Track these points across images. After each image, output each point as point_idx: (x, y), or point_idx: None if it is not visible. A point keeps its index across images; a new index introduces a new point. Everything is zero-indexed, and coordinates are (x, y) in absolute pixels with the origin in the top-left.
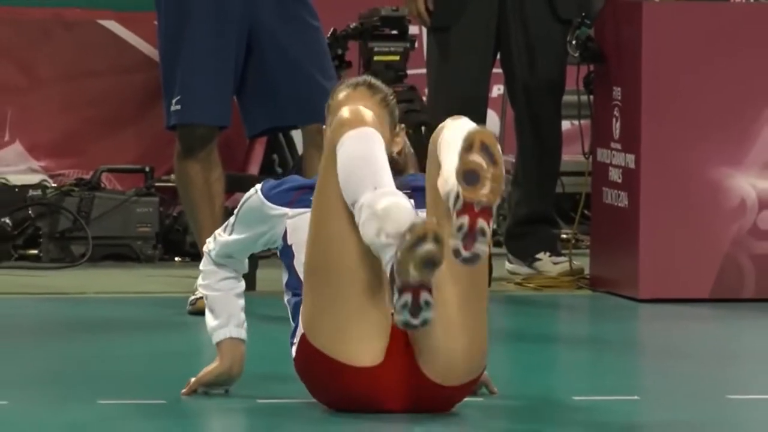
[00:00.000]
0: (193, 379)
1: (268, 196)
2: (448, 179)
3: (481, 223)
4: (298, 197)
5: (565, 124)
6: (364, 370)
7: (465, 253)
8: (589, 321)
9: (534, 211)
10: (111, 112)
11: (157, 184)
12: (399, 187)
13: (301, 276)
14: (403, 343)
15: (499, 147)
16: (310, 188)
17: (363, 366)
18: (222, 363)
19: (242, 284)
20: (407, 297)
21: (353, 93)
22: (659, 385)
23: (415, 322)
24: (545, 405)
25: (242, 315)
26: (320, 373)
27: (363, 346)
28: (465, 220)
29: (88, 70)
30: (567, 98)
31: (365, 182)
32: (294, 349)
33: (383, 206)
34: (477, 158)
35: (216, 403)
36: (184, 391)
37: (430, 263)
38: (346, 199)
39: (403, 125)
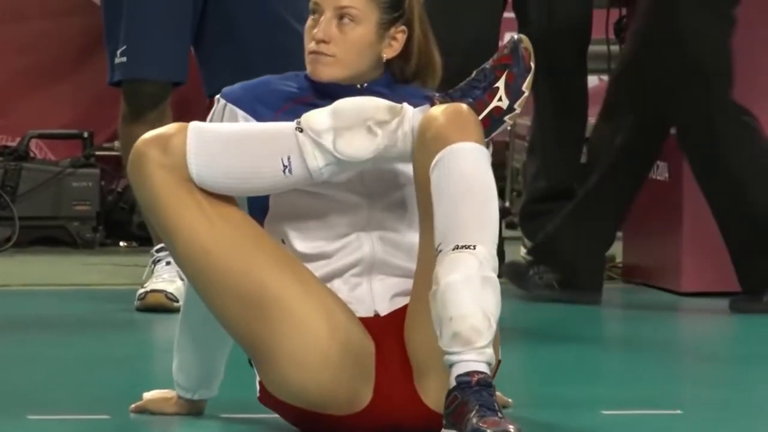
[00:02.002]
0: (145, 397)
1: (238, 98)
2: None
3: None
4: (291, 108)
5: (592, 80)
6: (346, 418)
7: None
8: (622, 318)
9: (554, 185)
10: (42, 63)
11: (97, 152)
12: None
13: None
14: (396, 369)
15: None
16: (302, 103)
17: (344, 415)
18: (181, 408)
19: None
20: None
21: None
22: (705, 396)
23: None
24: (569, 420)
25: (221, 370)
26: (290, 416)
27: (341, 391)
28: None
29: (13, 11)
30: (593, 48)
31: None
32: (256, 378)
33: (326, 112)
34: None
35: (172, 420)
36: (132, 406)
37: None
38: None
39: (403, 27)
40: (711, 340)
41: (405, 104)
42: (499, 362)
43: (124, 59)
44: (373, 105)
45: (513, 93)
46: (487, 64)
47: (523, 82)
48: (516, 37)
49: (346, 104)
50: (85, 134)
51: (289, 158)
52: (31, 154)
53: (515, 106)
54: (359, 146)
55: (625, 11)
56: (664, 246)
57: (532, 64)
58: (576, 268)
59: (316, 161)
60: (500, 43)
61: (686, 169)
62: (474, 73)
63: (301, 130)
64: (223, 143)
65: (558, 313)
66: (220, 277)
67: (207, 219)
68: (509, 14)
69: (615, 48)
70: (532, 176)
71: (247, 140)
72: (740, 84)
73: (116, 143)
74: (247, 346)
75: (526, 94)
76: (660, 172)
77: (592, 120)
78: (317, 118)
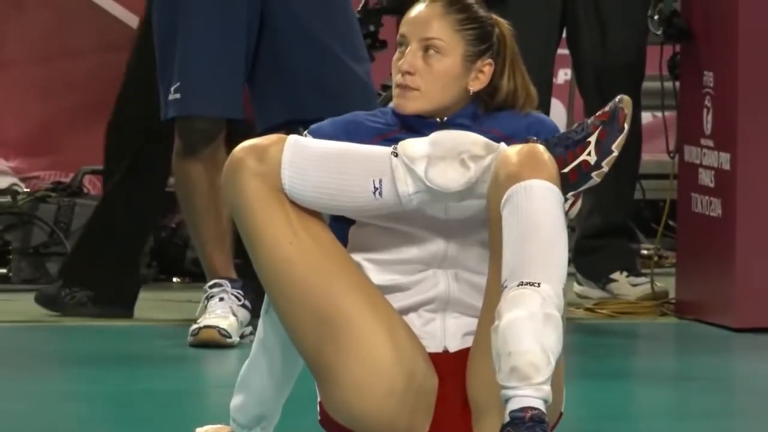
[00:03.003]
0: None
1: (327, 136)
2: None
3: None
4: (378, 143)
5: (646, 116)
6: None
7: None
8: (675, 355)
9: (608, 221)
10: (95, 100)
11: None
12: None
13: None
14: (457, 408)
15: None
16: (389, 139)
17: None
18: None
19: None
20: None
21: (425, 8)
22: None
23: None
24: None
25: (278, 412)
26: None
27: (400, 422)
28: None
29: (66, 49)
30: (647, 85)
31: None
32: (317, 399)
33: (424, 141)
34: None
35: None
36: None
37: None
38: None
39: (490, 60)
40: (766, 376)
41: (502, 143)
42: (561, 415)
43: (178, 96)
44: (471, 140)
45: (603, 150)
46: (589, 119)
47: (614, 141)
48: (619, 97)
49: (444, 135)
50: None
51: (380, 181)
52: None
53: (603, 163)
54: (451, 177)
55: (678, 48)
56: (717, 281)
57: (627, 126)
58: (107, 284)
59: (407, 187)
60: (554, 80)
61: (739, 205)
62: (575, 124)
63: (396, 155)
64: (317, 158)
65: (608, 349)
66: (298, 289)
67: (293, 231)
68: (563, 51)
69: (669, 84)
70: (586, 212)
71: (342, 158)
72: None
73: (170, 180)
74: (313, 363)
75: (615, 153)
76: (713, 208)
77: (645, 156)
78: (414, 145)
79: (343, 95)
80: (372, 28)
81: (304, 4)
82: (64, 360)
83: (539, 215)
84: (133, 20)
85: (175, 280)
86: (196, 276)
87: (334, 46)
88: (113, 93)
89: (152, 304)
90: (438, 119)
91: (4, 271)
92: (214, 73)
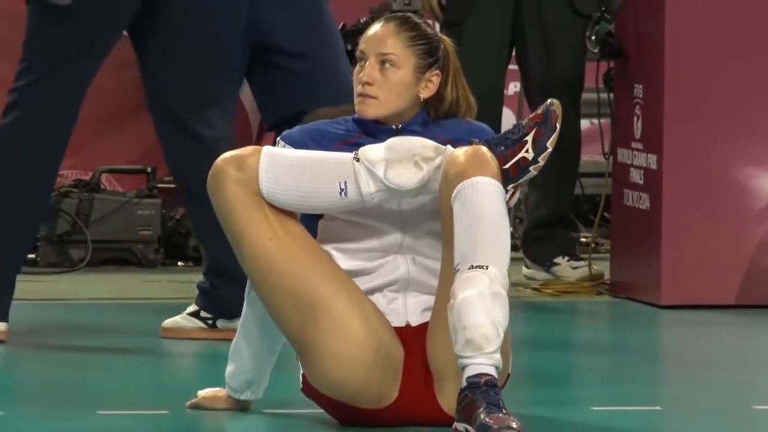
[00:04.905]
0: (199, 395)
1: (296, 141)
2: None
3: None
4: (339, 148)
5: (584, 123)
6: (373, 411)
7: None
8: (609, 328)
9: (552, 213)
10: (111, 108)
11: (159, 185)
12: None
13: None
14: (420, 373)
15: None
16: (349, 143)
17: (372, 408)
18: (231, 405)
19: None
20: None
21: (381, 28)
22: (682, 394)
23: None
24: (563, 415)
25: (267, 378)
26: (327, 407)
27: (372, 388)
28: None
29: None
30: (586, 96)
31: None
32: (300, 372)
33: (381, 146)
34: None
35: (223, 415)
36: (188, 403)
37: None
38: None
39: (437, 71)
40: (687, 346)
41: (449, 146)
42: (508, 376)
43: None
44: (422, 144)
45: (539, 147)
46: (523, 120)
47: (548, 139)
48: (549, 101)
49: (399, 141)
50: (149, 169)
51: (345, 183)
52: (102, 186)
53: (539, 159)
54: (407, 177)
55: (612, 64)
56: (645, 265)
57: (558, 125)
58: None
59: (369, 187)
60: (505, 92)
61: (665, 199)
62: (511, 126)
63: (358, 160)
64: (290, 165)
65: (552, 324)
66: (279, 280)
67: (272, 230)
68: (513, 66)
69: (604, 95)
70: (532, 205)
71: (311, 165)
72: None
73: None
74: (295, 341)
75: (549, 149)
76: (642, 202)
77: (584, 157)
78: (373, 151)
79: (338, 88)
80: (349, 47)
81: (293, 22)
82: (83, 333)
83: (485, 207)
84: None
85: (179, 264)
86: (197, 260)
87: (325, 46)
88: (128, 104)
89: (160, 285)
90: (393, 126)
91: (32, 256)
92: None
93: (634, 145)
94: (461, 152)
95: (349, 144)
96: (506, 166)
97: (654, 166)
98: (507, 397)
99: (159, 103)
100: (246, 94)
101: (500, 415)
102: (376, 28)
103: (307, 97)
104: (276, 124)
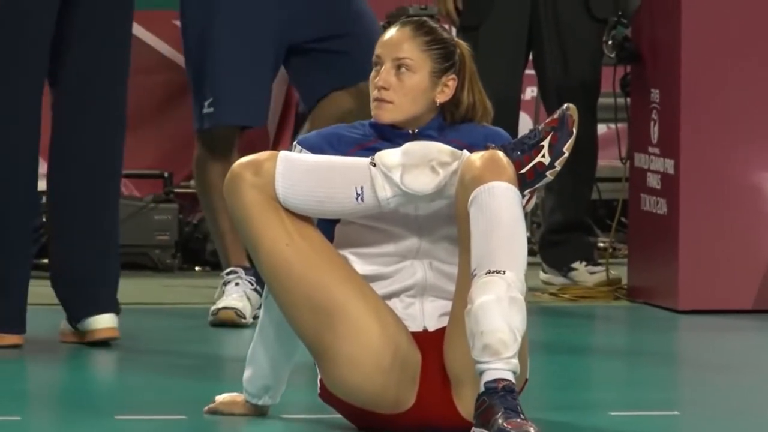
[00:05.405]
0: (217, 400)
1: (312, 145)
2: None
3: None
4: (355, 152)
5: (601, 128)
6: (391, 416)
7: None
8: (627, 333)
9: (569, 218)
10: (128, 114)
11: (176, 190)
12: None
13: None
14: (438, 378)
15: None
16: (365, 148)
17: (389, 414)
18: (248, 410)
19: None
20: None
21: (397, 32)
22: (700, 399)
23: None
24: (581, 420)
25: (284, 383)
26: (344, 412)
27: (389, 393)
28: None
29: None
30: (603, 101)
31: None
32: (318, 377)
33: (398, 151)
34: None
35: (240, 420)
36: (206, 408)
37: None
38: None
39: (453, 76)
40: (705, 351)
41: (465, 151)
42: (526, 381)
43: (212, 110)
44: (438, 148)
45: (555, 152)
46: (540, 125)
47: (565, 144)
48: (566, 105)
49: (415, 146)
50: (166, 174)
51: (362, 188)
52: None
53: (556, 164)
54: (423, 182)
55: (629, 68)
56: (663, 270)
57: (574, 130)
58: None
59: (385, 192)
60: (522, 97)
61: (682, 204)
62: (528, 131)
63: (375, 165)
64: (306, 170)
65: (569, 329)
66: (295, 286)
67: (288, 234)
68: (531, 71)
69: (621, 100)
70: (549, 210)
71: (327, 170)
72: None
73: (192, 182)
74: (313, 347)
75: (566, 154)
76: (660, 207)
77: (601, 162)
78: (389, 156)
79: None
80: None
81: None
82: None
83: (501, 212)
84: (162, 46)
85: (196, 268)
86: (215, 265)
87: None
88: (144, 109)
89: (177, 290)
90: (410, 130)
91: (47, 261)
92: (243, 86)
93: (651, 149)
94: (478, 157)
95: (366, 148)
96: (523, 171)
97: (671, 171)
98: (525, 402)
99: None
100: None
101: (518, 420)
102: (391, 32)
103: (348, 74)
104: (315, 106)
